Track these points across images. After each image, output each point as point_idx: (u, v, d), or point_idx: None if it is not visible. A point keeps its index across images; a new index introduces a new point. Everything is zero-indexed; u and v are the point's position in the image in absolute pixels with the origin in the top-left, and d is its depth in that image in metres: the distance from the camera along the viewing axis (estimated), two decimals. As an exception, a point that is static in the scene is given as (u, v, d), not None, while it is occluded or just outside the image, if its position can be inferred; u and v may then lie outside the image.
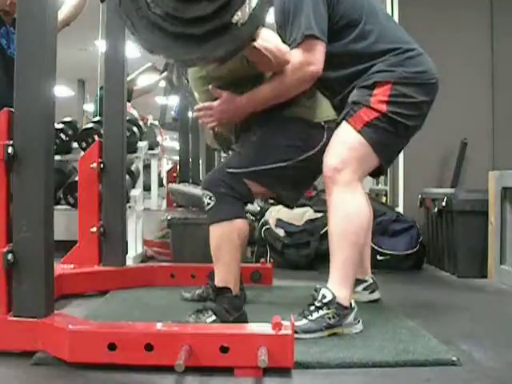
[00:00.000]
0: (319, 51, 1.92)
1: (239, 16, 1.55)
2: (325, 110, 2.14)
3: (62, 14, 3.04)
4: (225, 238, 2.01)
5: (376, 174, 2.25)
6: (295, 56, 1.92)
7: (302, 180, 2.20)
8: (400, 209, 4.18)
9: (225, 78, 2.11)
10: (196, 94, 2.28)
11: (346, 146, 1.95)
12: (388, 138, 1.96)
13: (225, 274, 2.04)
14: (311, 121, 2.10)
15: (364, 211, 1.95)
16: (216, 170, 2.13)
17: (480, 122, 4.13)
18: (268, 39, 1.87)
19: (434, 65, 2.07)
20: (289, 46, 1.94)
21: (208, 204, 2.03)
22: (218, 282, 2.05)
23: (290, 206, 2.33)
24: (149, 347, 1.52)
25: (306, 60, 1.91)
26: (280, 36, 2.02)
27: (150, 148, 4.29)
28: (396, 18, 4.36)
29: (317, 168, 2.02)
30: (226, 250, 2.02)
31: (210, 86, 2.06)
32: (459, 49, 4.14)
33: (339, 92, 2.07)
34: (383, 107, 1.92)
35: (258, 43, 1.81)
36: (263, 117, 2.09)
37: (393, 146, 2.05)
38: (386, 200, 4.95)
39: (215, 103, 2.06)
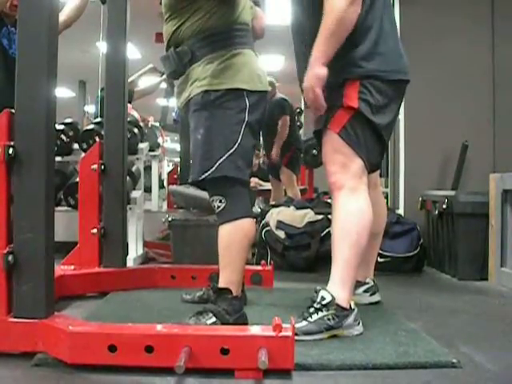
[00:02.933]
0: None
1: None
2: (234, 76, 2.09)
3: (64, 15, 3.04)
4: (235, 237, 2.02)
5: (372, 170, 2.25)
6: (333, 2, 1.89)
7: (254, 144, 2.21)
8: (401, 211, 4.18)
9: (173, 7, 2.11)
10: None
11: (337, 151, 1.99)
12: (366, 137, 1.99)
13: (230, 273, 2.04)
14: (231, 88, 2.06)
15: (365, 212, 1.96)
16: (211, 178, 2.06)
17: (481, 124, 4.13)
18: None
19: (406, 62, 2.07)
20: None
21: (218, 207, 2.04)
22: (222, 281, 2.05)
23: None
24: (149, 349, 1.52)
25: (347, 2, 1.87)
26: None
27: (151, 149, 4.29)
28: (397, 21, 4.36)
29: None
30: (235, 249, 2.03)
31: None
32: (460, 51, 4.14)
33: None
34: (355, 102, 1.95)
35: None
36: (196, 114, 2.09)
37: (372, 146, 2.04)
38: (387, 202, 4.94)
39: (305, 85, 1.99)
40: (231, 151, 2.02)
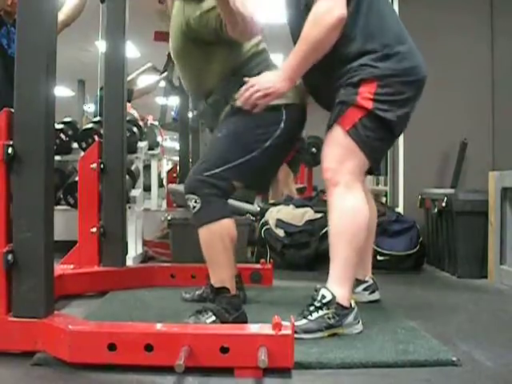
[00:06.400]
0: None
1: None
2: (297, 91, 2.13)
3: (63, 14, 3.05)
4: (215, 239, 2.03)
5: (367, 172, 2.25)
6: (317, 7, 1.89)
7: (273, 165, 2.23)
8: (400, 209, 4.18)
9: (200, 34, 2.11)
10: (171, 42, 2.27)
11: (339, 147, 1.97)
12: (375, 137, 1.97)
13: (220, 274, 2.05)
14: (269, 105, 2.06)
15: (361, 211, 1.95)
16: (194, 173, 2.10)
17: (480, 122, 4.13)
18: (246, 5, 1.90)
19: (422, 60, 2.06)
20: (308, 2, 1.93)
21: (194, 207, 2.04)
22: (215, 282, 2.06)
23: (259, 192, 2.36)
24: (149, 347, 1.52)
25: (329, 6, 1.87)
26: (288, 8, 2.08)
27: (150, 148, 4.29)
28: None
29: (282, 153, 2.07)
30: (219, 250, 2.03)
31: (245, 78, 2.03)
32: (459, 49, 4.13)
33: (325, 88, 2.05)
34: (369, 104, 1.92)
35: (233, 2, 1.86)
36: (229, 112, 2.12)
37: (380, 146, 2.04)
38: (386, 200, 4.95)
39: (255, 78, 2.02)
40: (238, 162, 2.04)
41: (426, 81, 2.05)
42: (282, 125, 2.06)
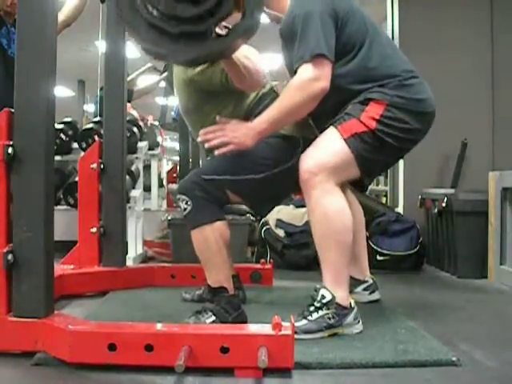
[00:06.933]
0: (327, 68, 1.89)
1: (219, 27, 1.58)
2: (302, 126, 2.14)
3: (63, 14, 3.04)
4: (208, 241, 2.03)
5: (358, 187, 2.23)
6: (303, 73, 1.88)
7: (276, 193, 2.22)
8: (400, 209, 4.18)
9: (206, 86, 2.14)
10: (177, 98, 2.31)
11: (327, 150, 1.91)
12: (373, 154, 1.93)
13: (216, 275, 2.07)
14: (287, 134, 2.10)
15: (344, 210, 1.89)
16: (191, 176, 2.10)
17: (480, 122, 4.13)
18: (249, 57, 1.88)
19: (432, 95, 2.05)
20: (295, 61, 1.92)
21: (185, 209, 2.04)
22: (212, 283, 2.07)
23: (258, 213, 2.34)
24: (149, 348, 1.53)
25: (315, 76, 1.87)
26: (284, 50, 2.05)
27: (150, 148, 4.29)
28: (396, 18, 4.37)
29: (292, 182, 1.98)
30: (213, 252, 2.04)
31: (218, 117, 2.00)
32: (459, 49, 4.14)
33: (331, 115, 2.00)
34: (372, 124, 1.90)
35: (237, 58, 1.83)
36: None
37: (376, 162, 2.01)
38: (386, 200, 4.95)
39: (226, 124, 1.98)
40: (239, 178, 2.04)
41: (435, 115, 2.04)
42: (297, 159, 1.98)
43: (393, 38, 4.41)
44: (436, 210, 3.51)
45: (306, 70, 1.88)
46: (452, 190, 3.55)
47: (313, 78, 1.87)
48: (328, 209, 1.87)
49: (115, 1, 1.61)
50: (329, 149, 1.91)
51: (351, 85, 1.97)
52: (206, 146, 1.95)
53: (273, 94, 2.25)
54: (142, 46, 1.65)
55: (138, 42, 1.64)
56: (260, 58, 2.04)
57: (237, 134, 1.93)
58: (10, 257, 1.62)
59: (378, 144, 1.92)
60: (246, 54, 1.84)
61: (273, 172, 2.06)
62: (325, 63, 1.88)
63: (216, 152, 1.95)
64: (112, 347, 1.53)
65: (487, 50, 4.17)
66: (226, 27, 1.73)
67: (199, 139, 1.98)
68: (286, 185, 2.14)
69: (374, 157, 1.94)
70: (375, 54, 1.99)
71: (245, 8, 1.60)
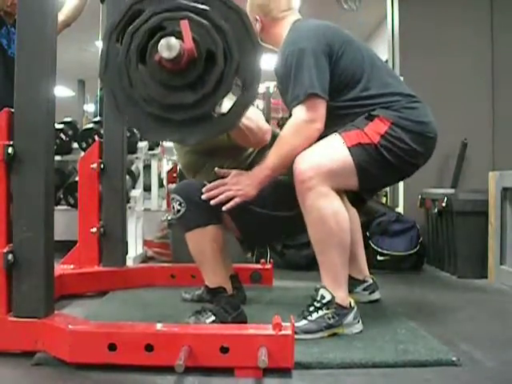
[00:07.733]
0: (322, 108, 1.90)
1: (221, 107, 1.56)
2: None
3: (63, 14, 3.05)
4: (201, 244, 2.04)
5: (358, 202, 2.22)
6: (299, 114, 1.89)
7: (274, 235, 2.25)
8: (400, 209, 4.18)
9: (206, 145, 2.13)
10: (177, 157, 2.33)
11: (326, 155, 1.88)
12: (373, 168, 1.91)
13: (213, 276, 2.08)
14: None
15: (339, 212, 1.87)
16: (197, 183, 2.08)
17: (480, 122, 4.14)
18: (250, 117, 1.87)
19: (434, 122, 2.05)
20: (290, 101, 1.92)
21: (178, 211, 2.04)
22: (210, 284, 2.08)
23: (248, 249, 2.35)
24: (149, 347, 1.52)
25: (310, 118, 1.88)
26: (279, 87, 2.06)
27: (150, 148, 4.29)
28: (396, 19, 4.37)
29: (296, 228, 1.98)
30: (207, 255, 2.06)
31: (216, 169, 2.01)
32: (459, 49, 4.14)
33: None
34: (376, 138, 1.89)
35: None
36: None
37: (375, 177, 1.97)
38: (386, 200, 4.94)
39: (226, 178, 1.97)
40: (260, 211, 2.04)
41: (437, 140, 2.05)
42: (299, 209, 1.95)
43: (393, 37, 4.42)
44: (436, 210, 3.51)
45: (301, 112, 1.89)
46: (452, 190, 3.55)
47: (308, 120, 1.88)
48: (323, 211, 1.85)
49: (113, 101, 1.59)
50: (330, 153, 1.89)
51: (354, 109, 1.98)
52: (212, 202, 1.93)
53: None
54: (147, 137, 1.62)
55: (141, 134, 1.61)
56: (260, 115, 2.03)
57: (240, 186, 1.93)
58: (10, 257, 1.62)
59: (380, 159, 1.90)
60: (246, 114, 1.83)
61: (281, 215, 2.06)
62: (318, 103, 1.89)
63: (224, 208, 1.93)
64: (112, 347, 1.53)
65: (487, 50, 4.17)
66: None
67: (204, 197, 1.96)
68: (286, 230, 2.18)
69: (373, 171, 1.92)
70: (375, 83, 1.99)
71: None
